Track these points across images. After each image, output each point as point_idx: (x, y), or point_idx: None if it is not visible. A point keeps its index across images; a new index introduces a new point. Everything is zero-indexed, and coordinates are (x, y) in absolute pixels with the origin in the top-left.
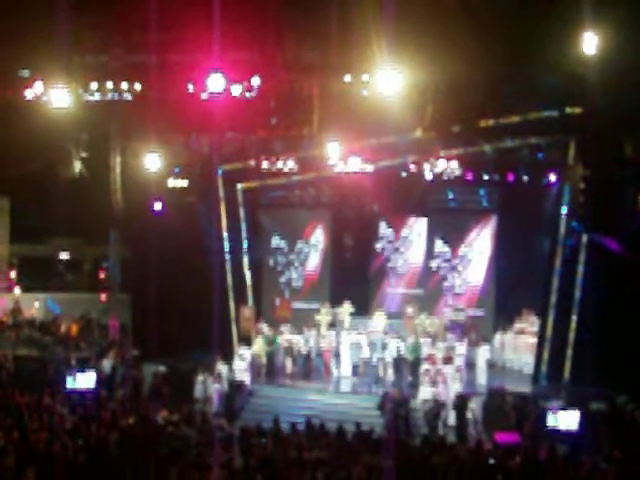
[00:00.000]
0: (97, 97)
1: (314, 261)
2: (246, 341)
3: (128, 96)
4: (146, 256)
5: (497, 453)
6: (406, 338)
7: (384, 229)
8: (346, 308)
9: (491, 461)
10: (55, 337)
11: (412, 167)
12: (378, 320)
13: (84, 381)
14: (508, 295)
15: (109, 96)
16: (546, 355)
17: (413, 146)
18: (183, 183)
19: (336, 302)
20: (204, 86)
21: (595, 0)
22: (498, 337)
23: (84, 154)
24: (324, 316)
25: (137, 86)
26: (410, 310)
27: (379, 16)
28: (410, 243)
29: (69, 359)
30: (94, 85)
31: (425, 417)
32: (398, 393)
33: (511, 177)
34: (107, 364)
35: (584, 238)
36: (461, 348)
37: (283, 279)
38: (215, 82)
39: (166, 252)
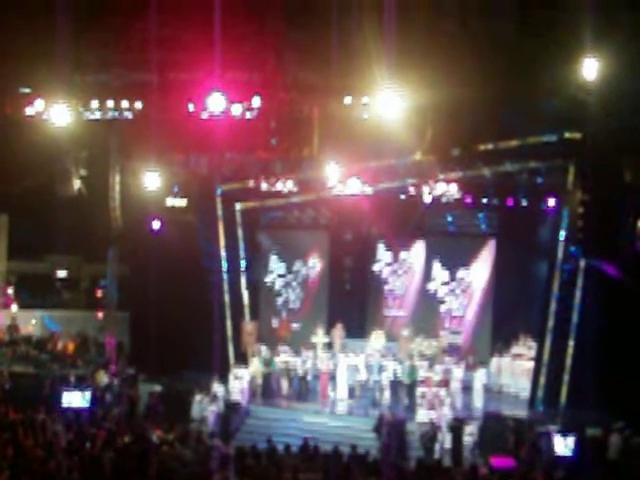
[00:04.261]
0: (97, 115)
1: (312, 282)
2: (243, 360)
3: (128, 115)
4: (144, 275)
5: (493, 478)
6: (403, 361)
7: (382, 251)
8: (338, 331)
9: None
10: (51, 354)
11: (411, 190)
12: (376, 341)
13: (80, 399)
14: (505, 319)
15: (109, 114)
16: (543, 380)
17: (412, 169)
18: (182, 202)
19: (333, 324)
20: (204, 106)
21: (596, 25)
22: (495, 361)
23: (83, 172)
24: (321, 337)
25: (137, 105)
26: (405, 333)
27: (380, 39)
28: (408, 266)
29: (65, 376)
30: (94, 103)
31: (421, 440)
32: (391, 416)
33: (510, 201)
34: (103, 379)
35: (582, 263)
36: (458, 372)
37: (280, 300)
38: (215, 102)
39: (164, 271)
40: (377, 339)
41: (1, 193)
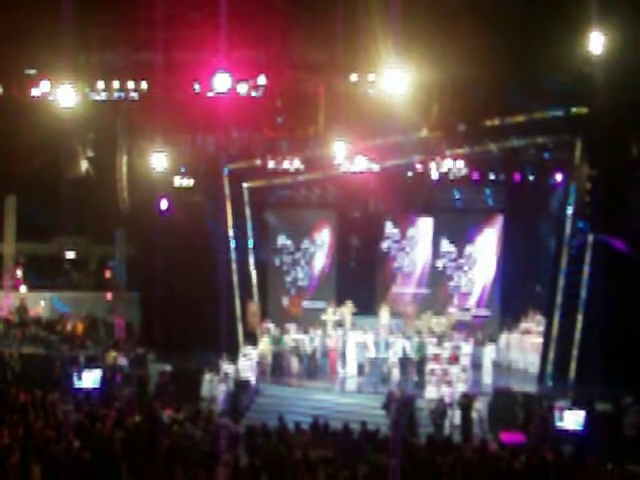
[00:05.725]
0: (103, 96)
1: (320, 260)
2: (252, 339)
3: (134, 95)
4: (152, 255)
5: (503, 453)
6: (411, 337)
7: (390, 229)
8: (348, 307)
9: None
10: (61, 335)
11: (418, 167)
12: (384, 315)
13: (90, 379)
14: (514, 295)
15: (115, 95)
16: (552, 355)
17: (419, 146)
18: (189, 182)
19: (342, 301)
20: (210, 85)
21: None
22: (504, 337)
23: (90, 153)
24: (330, 315)
25: (143, 85)
26: (410, 309)
27: (385, 16)
28: (416, 243)
29: (75, 357)
30: (100, 84)
31: (431, 416)
32: (400, 393)
33: (517, 177)
34: (113, 360)
35: (590, 238)
36: (467, 348)
37: (289, 278)
38: (221, 81)
39: (172, 251)
40: (383, 314)
41: (9, 174)
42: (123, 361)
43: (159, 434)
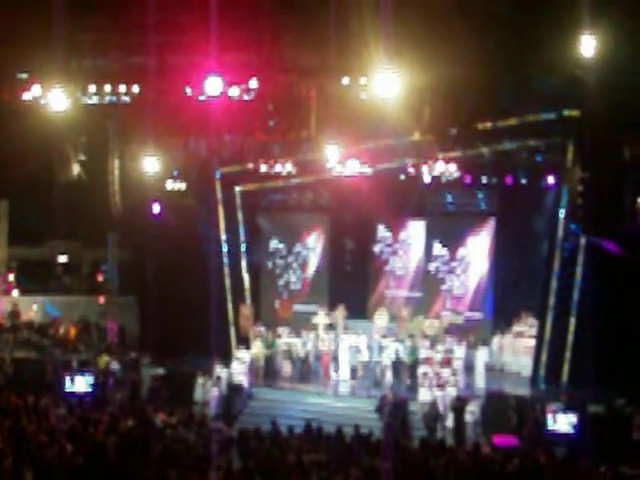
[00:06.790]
0: (95, 100)
1: (312, 264)
2: (245, 343)
3: (126, 99)
4: (144, 259)
5: (496, 456)
6: (404, 341)
7: (382, 232)
8: (340, 312)
9: None
10: (53, 340)
11: (410, 170)
12: (379, 320)
13: (82, 384)
14: (507, 298)
15: (107, 99)
16: (544, 358)
17: (411, 149)
18: (181, 186)
19: (334, 305)
20: (202, 89)
21: (593, 2)
22: (497, 340)
23: (82, 157)
24: (322, 318)
25: (135, 89)
26: (404, 313)
27: (377, 19)
28: (408, 246)
29: (67, 362)
30: (92, 88)
31: (424, 420)
32: (393, 396)
33: (509, 180)
34: (106, 364)
35: (582, 240)
36: (460, 351)
37: (281, 282)
38: (213, 85)
39: (164, 255)
40: (380, 318)
41: (0, 179)
42: (116, 365)
43: (152, 438)
